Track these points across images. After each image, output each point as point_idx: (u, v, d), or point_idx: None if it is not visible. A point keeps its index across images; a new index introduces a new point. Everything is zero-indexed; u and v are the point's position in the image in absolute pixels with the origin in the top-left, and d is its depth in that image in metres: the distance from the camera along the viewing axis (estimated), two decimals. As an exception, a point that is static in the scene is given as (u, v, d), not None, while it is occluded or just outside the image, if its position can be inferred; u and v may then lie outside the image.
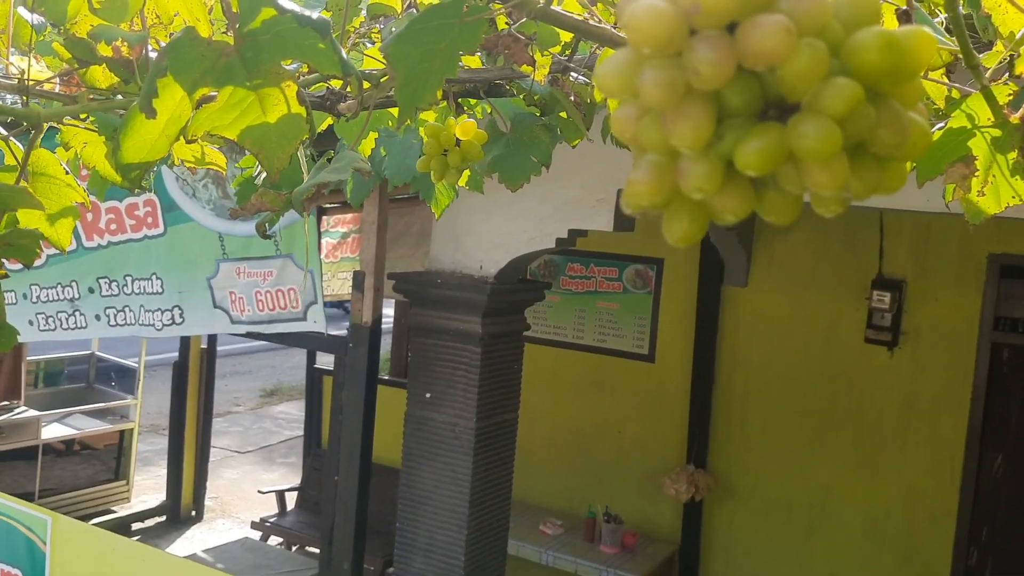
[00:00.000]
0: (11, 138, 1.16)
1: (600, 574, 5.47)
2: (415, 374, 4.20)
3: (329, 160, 1.22)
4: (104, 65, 1.06)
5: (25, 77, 1.04)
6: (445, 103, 1.53)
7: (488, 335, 4.01)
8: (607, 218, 3.84)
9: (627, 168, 0.54)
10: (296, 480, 7.50)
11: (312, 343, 5.42)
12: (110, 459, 7.41)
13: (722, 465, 5.88)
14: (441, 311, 4.08)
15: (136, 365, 7.58)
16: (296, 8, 0.83)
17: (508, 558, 4.57)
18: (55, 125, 1.21)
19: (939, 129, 1.05)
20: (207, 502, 7.78)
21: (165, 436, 8.09)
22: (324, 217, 6.20)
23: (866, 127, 0.47)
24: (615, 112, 0.53)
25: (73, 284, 4.97)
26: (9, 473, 6.71)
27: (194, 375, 7.51)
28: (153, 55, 1.03)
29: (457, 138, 1.47)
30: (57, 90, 1.10)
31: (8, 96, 1.14)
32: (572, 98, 1.33)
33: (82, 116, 1.17)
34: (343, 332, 4.83)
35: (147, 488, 7.98)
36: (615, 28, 0.99)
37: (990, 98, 0.98)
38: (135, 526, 7.33)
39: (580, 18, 1.03)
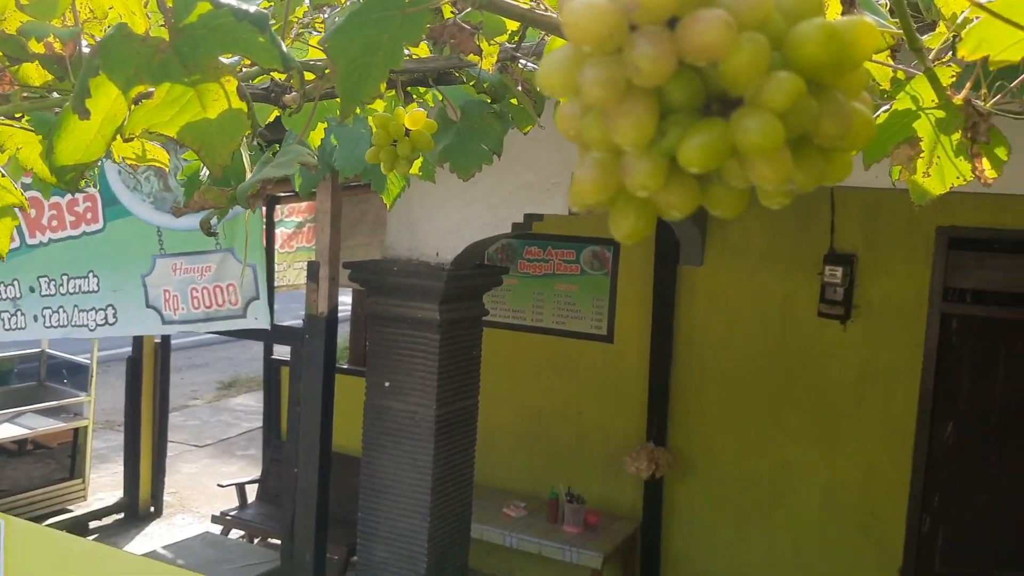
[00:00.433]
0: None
1: (564, 554, 5.51)
2: (374, 363, 4.18)
3: (275, 154, 1.20)
4: (37, 62, 1.03)
5: (-47, 76, 1.00)
6: (393, 92, 1.51)
7: (446, 321, 4.00)
8: (562, 202, 3.84)
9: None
10: (256, 472, 7.43)
11: (267, 335, 5.35)
12: (64, 457, 7.28)
13: (682, 442, 5.94)
14: (398, 299, 4.06)
15: (88, 361, 7.45)
16: (232, 2, 0.81)
17: (472, 542, 4.58)
18: (-12, 124, 1.17)
19: (884, 111, 1.05)
20: (166, 498, 7.68)
21: (121, 432, 7.97)
22: (277, 206, 6.11)
23: (809, 120, 0.46)
24: (559, 109, 0.53)
25: (15, 283, 4.85)
26: (-40, 476, 6.58)
27: (148, 369, 7.39)
28: (88, 51, 1.00)
29: (406, 128, 1.45)
30: (-12, 88, 1.06)
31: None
32: (521, 86, 1.31)
33: (17, 115, 1.14)
34: (299, 322, 4.78)
35: (104, 485, 7.86)
36: (561, 16, 0.98)
37: (934, 80, 0.99)
38: (92, 524, 7.22)
39: (526, 6, 1.01)
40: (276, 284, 5.82)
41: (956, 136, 1.03)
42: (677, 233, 5.71)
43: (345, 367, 6.80)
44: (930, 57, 1.01)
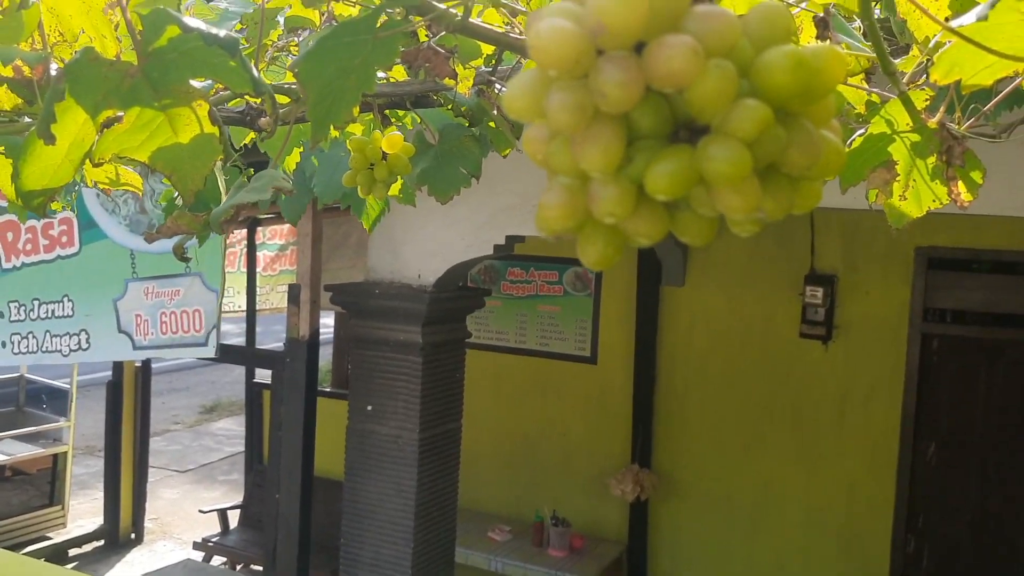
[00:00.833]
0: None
1: (549, 578, 5.47)
2: (356, 387, 4.15)
3: (249, 178, 1.19)
4: (5, 86, 1.01)
5: (-80, 101, 0.99)
6: (371, 115, 1.50)
7: (429, 344, 3.98)
8: (544, 223, 3.83)
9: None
10: (238, 498, 7.35)
11: (249, 359, 5.31)
12: (44, 484, 7.18)
13: (666, 463, 5.92)
14: (380, 322, 4.03)
15: (68, 386, 7.36)
16: (202, 26, 0.80)
17: (457, 567, 4.54)
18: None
19: (860, 135, 1.05)
20: (147, 524, 7.59)
21: (101, 458, 7.87)
22: (259, 228, 6.09)
23: (777, 148, 0.46)
24: (525, 133, 0.52)
25: None
26: (-64, 503, 6.48)
27: (129, 394, 7.31)
28: (55, 74, 0.98)
29: (384, 151, 1.44)
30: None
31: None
32: (498, 110, 1.31)
33: (-15, 139, 1.12)
34: (280, 345, 4.74)
35: (84, 512, 7.75)
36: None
37: (908, 103, 0.99)
38: (72, 552, 7.11)
39: (501, 30, 1.01)
40: (258, 307, 5.78)
41: (932, 160, 1.03)
42: (659, 254, 5.72)
43: (328, 390, 6.75)
44: (904, 81, 1.01)
